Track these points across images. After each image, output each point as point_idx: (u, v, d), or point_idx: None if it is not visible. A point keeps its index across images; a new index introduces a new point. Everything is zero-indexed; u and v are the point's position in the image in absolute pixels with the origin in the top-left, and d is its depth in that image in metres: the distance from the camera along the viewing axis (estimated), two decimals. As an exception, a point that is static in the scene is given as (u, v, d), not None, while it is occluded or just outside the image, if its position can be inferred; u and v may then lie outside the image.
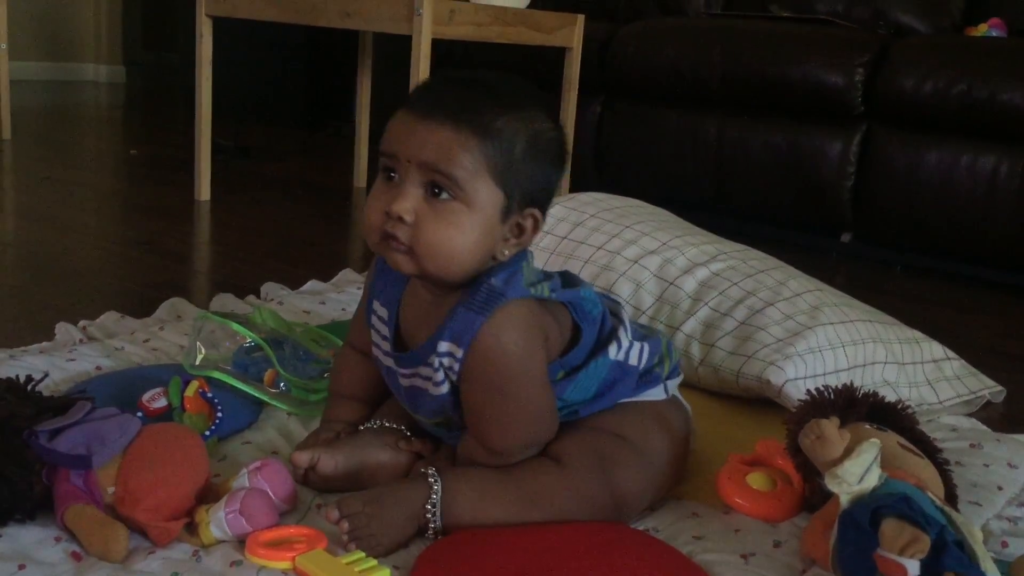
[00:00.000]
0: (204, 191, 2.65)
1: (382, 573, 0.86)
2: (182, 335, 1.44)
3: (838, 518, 0.88)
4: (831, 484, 0.90)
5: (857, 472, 0.89)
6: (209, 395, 1.13)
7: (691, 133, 2.76)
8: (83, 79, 6.08)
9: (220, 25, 2.53)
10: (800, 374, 1.31)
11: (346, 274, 1.89)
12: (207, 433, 1.07)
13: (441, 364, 0.95)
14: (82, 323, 1.47)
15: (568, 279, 1.05)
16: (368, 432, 1.07)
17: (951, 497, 1.02)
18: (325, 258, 2.15)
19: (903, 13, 2.97)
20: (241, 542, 0.90)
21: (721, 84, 2.68)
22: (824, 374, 1.33)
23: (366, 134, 3.10)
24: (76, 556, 0.87)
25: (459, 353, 0.93)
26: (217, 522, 0.90)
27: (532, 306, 0.94)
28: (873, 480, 0.89)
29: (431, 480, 0.94)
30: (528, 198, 0.93)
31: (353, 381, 1.11)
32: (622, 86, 2.89)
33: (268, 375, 1.24)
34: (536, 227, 0.96)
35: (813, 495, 1.03)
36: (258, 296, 1.72)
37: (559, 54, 2.59)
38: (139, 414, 1.08)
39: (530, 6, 2.46)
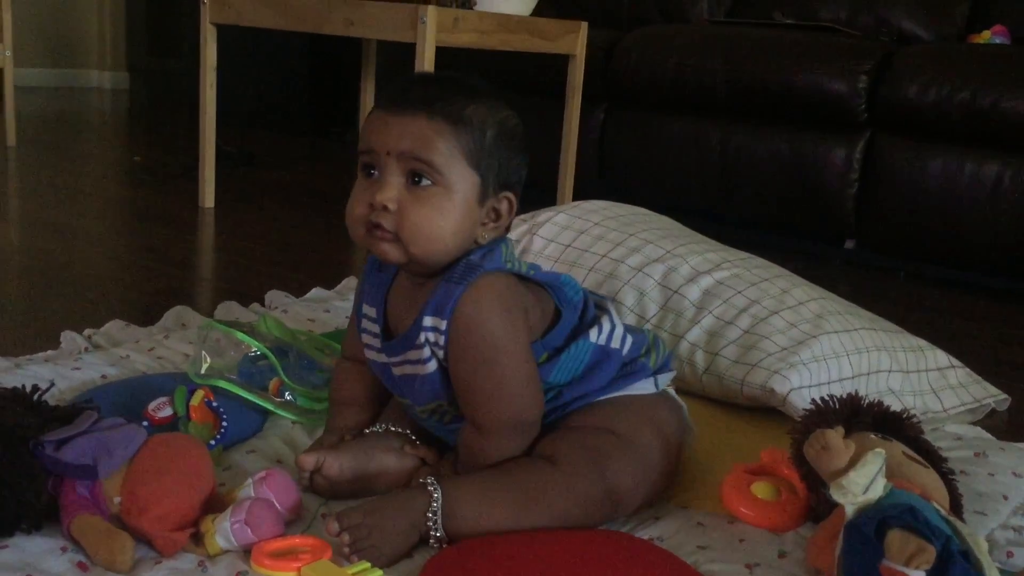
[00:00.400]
0: (208, 198, 2.66)
1: (387, 583, 0.87)
2: (187, 344, 1.44)
3: (843, 528, 0.88)
4: (836, 494, 0.90)
5: (862, 482, 0.89)
6: (214, 404, 1.13)
7: (694, 140, 2.76)
8: (87, 86, 6.09)
9: (224, 32, 2.54)
10: (804, 383, 1.31)
11: (350, 282, 1.90)
12: (212, 442, 1.08)
13: (427, 340, 0.97)
14: (87, 331, 1.47)
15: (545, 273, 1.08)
16: (373, 436, 1.07)
17: (956, 507, 1.02)
18: (329, 266, 2.15)
19: (906, 20, 2.97)
20: (247, 552, 0.90)
21: (724, 92, 2.68)
22: (828, 383, 1.33)
23: (370, 141, 3.09)
24: (82, 566, 0.87)
25: (442, 326, 0.96)
26: (223, 532, 0.90)
27: (510, 279, 0.98)
28: (878, 490, 0.89)
29: (431, 489, 0.94)
30: (501, 182, 0.99)
31: (353, 388, 1.12)
32: (625, 93, 2.89)
33: (273, 384, 1.24)
34: (511, 210, 1.00)
35: (818, 505, 1.03)
36: (262, 304, 1.72)
37: (562, 62, 2.59)
38: (145, 424, 1.08)
39: (534, 14, 2.47)
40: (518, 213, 1.06)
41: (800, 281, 1.56)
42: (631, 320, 1.47)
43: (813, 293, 1.51)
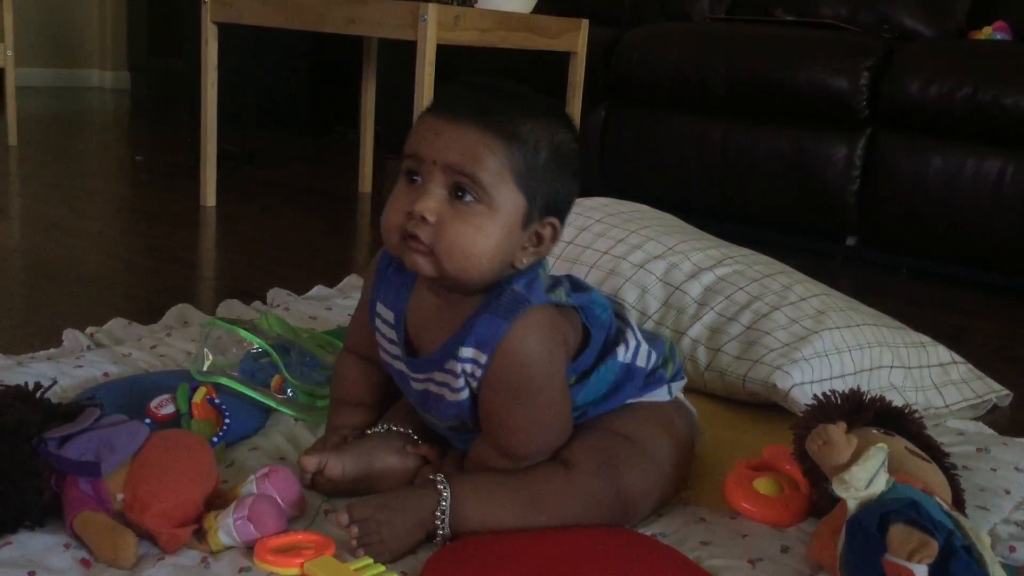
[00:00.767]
0: (210, 197, 2.66)
1: (390, 579, 0.87)
2: (189, 341, 1.44)
3: (846, 523, 0.88)
4: (838, 489, 0.90)
5: (864, 477, 0.89)
6: (217, 401, 1.13)
7: (696, 138, 2.76)
8: (89, 85, 6.10)
9: (225, 31, 2.54)
10: (806, 378, 1.31)
11: (352, 279, 1.90)
12: (215, 439, 1.08)
13: (463, 371, 0.95)
14: (90, 329, 1.47)
15: (576, 283, 1.05)
16: (376, 436, 1.07)
17: (958, 502, 1.02)
18: (331, 263, 2.16)
19: (908, 17, 2.97)
20: (249, 548, 0.90)
21: (726, 89, 2.68)
22: (831, 378, 1.33)
23: (371, 140, 3.10)
24: (85, 563, 0.87)
25: (483, 359, 0.93)
26: (225, 528, 0.90)
27: (553, 312, 0.95)
28: (880, 485, 0.89)
29: (440, 487, 0.94)
30: (548, 207, 0.94)
31: (356, 387, 1.11)
32: (627, 91, 2.89)
33: (275, 381, 1.24)
34: (555, 237, 0.96)
35: (820, 500, 1.03)
36: (264, 302, 1.72)
37: (563, 59, 2.59)
38: (147, 421, 1.09)
39: (535, 11, 2.47)
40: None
41: (802, 277, 1.56)
42: (632, 316, 1.47)
43: (815, 289, 1.51)
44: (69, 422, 0.95)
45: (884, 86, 2.47)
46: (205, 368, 1.24)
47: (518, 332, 0.91)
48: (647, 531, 1.01)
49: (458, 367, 0.95)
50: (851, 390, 1.07)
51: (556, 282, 1.00)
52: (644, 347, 1.05)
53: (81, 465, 0.90)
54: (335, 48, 4.21)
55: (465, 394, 0.97)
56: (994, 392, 1.53)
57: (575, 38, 2.54)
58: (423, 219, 0.89)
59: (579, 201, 1.72)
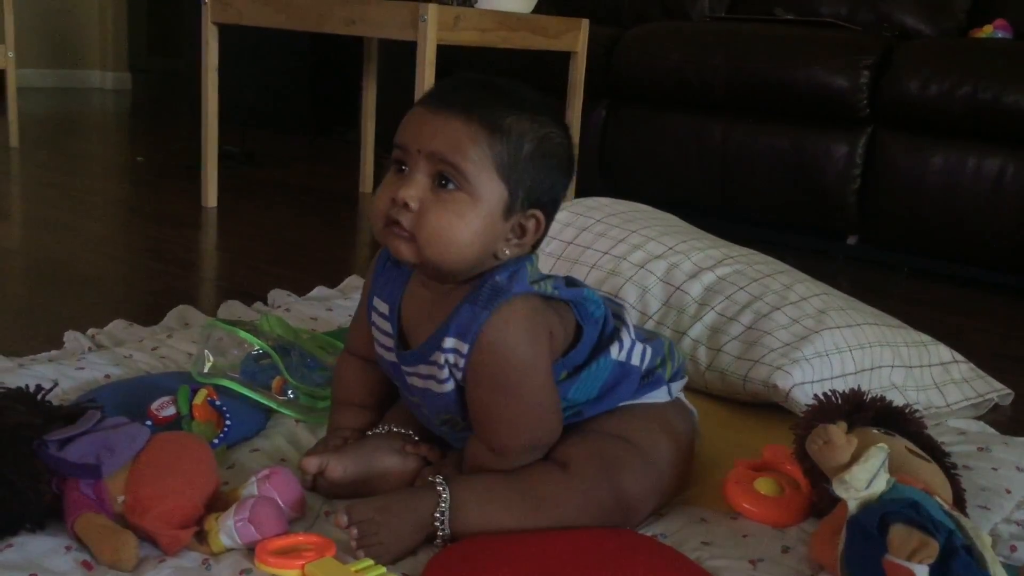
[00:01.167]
0: (211, 198, 2.66)
1: (391, 581, 0.87)
2: (190, 343, 1.44)
3: (846, 523, 0.88)
4: (839, 489, 0.90)
5: (865, 477, 0.89)
6: (217, 403, 1.13)
7: (696, 137, 2.76)
8: (89, 86, 6.10)
9: (226, 32, 2.54)
10: (807, 378, 1.31)
11: (353, 280, 1.90)
12: (215, 441, 1.08)
13: (447, 361, 0.96)
14: (91, 331, 1.47)
15: (569, 281, 1.05)
16: (376, 437, 1.07)
17: (959, 501, 1.02)
18: (331, 264, 2.16)
19: (908, 15, 2.97)
20: (250, 550, 0.90)
21: (726, 88, 2.68)
22: (831, 378, 1.33)
23: (371, 140, 3.10)
24: (86, 565, 0.87)
25: (464, 349, 0.94)
26: (226, 530, 0.90)
27: (536, 302, 0.96)
28: (881, 485, 0.89)
29: (439, 488, 0.94)
30: (532, 199, 0.95)
31: (356, 388, 1.12)
32: (627, 90, 2.89)
33: (276, 382, 1.24)
34: (538, 229, 0.97)
35: (821, 500, 1.03)
36: (265, 303, 1.72)
37: (564, 59, 2.59)
38: (148, 423, 1.09)
39: (535, 11, 2.47)
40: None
41: (802, 277, 1.56)
42: (633, 316, 1.47)
43: (815, 289, 1.51)
44: (70, 424, 0.95)
45: (884, 85, 2.47)
46: (206, 370, 1.24)
47: (497, 322, 0.92)
48: (648, 532, 1.01)
49: (442, 358, 0.96)
50: (851, 390, 1.08)
51: (547, 278, 1.01)
52: (639, 346, 1.06)
53: (82, 467, 0.90)
54: (335, 48, 4.21)
55: (450, 386, 0.97)
56: (995, 391, 1.53)
57: (575, 38, 2.54)
58: (405, 205, 0.91)
59: (579, 201, 1.73)
